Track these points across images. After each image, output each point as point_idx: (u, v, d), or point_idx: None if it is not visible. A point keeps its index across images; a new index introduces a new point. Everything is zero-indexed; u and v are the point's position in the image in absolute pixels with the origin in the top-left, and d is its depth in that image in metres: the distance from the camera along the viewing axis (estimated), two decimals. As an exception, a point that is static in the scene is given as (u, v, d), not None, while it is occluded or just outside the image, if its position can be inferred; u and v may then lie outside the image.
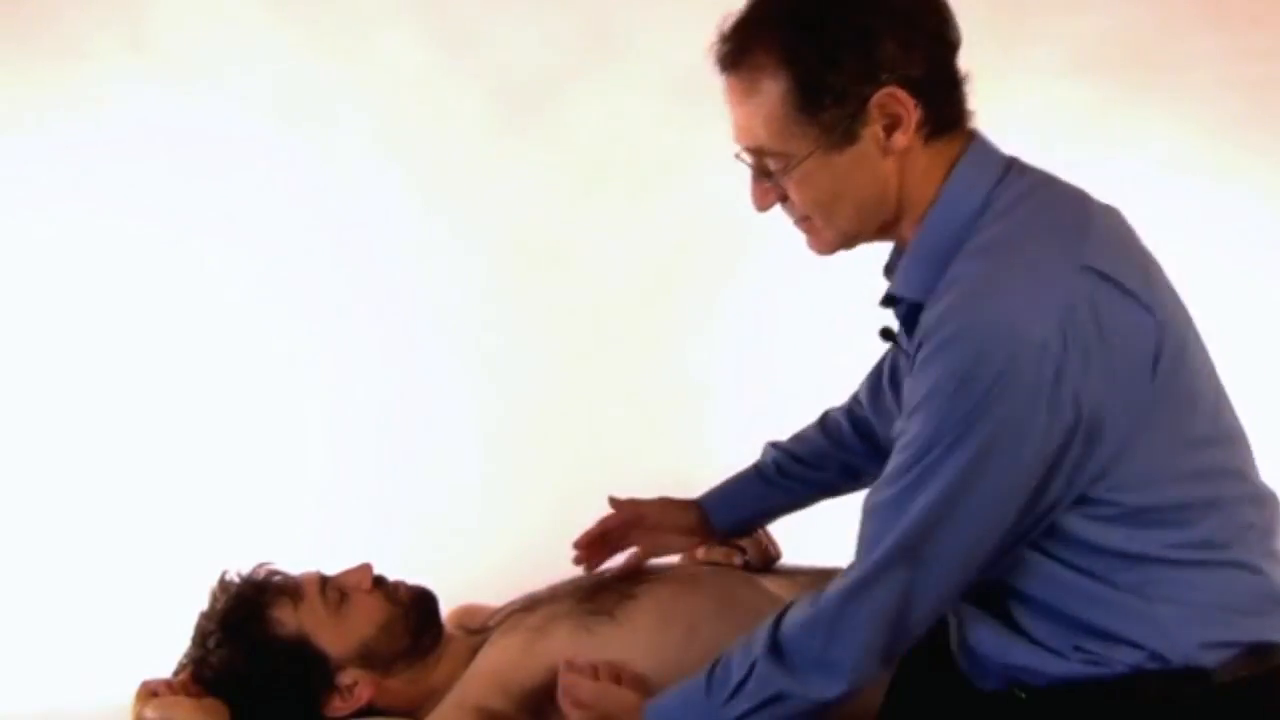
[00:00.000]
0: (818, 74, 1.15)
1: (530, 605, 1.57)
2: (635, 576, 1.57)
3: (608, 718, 1.34)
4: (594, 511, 1.64)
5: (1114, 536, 1.16)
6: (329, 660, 1.48)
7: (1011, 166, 1.22)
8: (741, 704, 1.22)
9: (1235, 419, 1.25)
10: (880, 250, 1.33)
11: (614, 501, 1.64)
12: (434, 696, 1.50)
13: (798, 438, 1.65)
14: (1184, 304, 1.23)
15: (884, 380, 1.49)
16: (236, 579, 1.52)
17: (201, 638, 1.50)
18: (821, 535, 1.55)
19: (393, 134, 2.30)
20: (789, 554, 1.68)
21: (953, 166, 1.20)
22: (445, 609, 1.61)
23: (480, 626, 1.64)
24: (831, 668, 1.19)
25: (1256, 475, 1.24)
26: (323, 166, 2.28)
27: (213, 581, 1.52)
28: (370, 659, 1.50)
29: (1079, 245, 1.14)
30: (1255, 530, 1.21)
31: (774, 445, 1.66)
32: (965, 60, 1.20)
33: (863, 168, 1.19)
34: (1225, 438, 1.22)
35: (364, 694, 1.49)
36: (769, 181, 1.23)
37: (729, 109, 1.22)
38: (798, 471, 1.62)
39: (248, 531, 2.14)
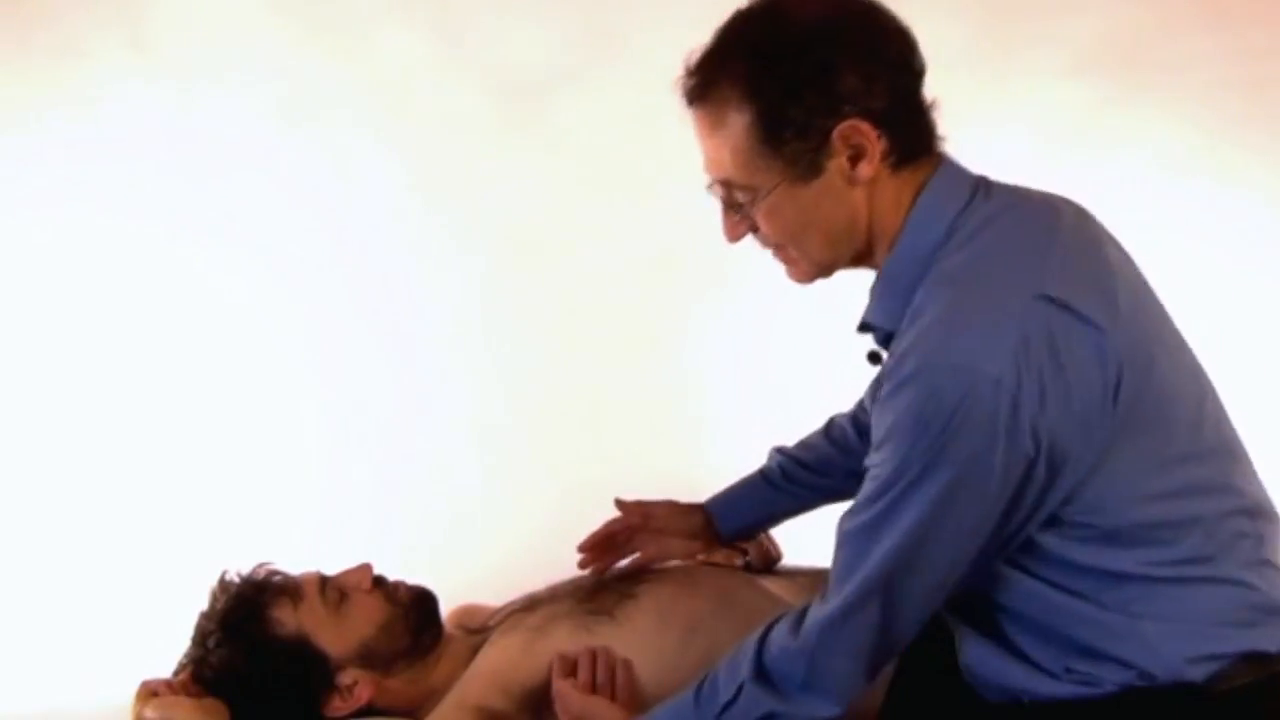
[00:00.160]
0: (780, 107, 1.15)
1: (530, 605, 1.57)
2: (635, 576, 1.58)
3: None
4: (594, 511, 1.64)
5: (1094, 556, 1.16)
6: (329, 660, 1.48)
7: (979, 189, 1.21)
8: None
9: (1224, 429, 1.23)
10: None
11: (620, 504, 1.64)
12: (434, 696, 1.50)
13: (803, 444, 1.65)
14: (1158, 314, 1.22)
15: None
16: (236, 579, 1.52)
17: (201, 638, 1.50)
18: (821, 536, 1.54)
19: (393, 134, 2.30)
20: (789, 555, 1.69)
21: (919, 193, 1.20)
22: (445, 609, 1.61)
23: (480, 626, 1.64)
24: (819, 692, 1.20)
25: (1250, 484, 1.23)
26: (323, 166, 2.28)
27: (213, 581, 1.52)
28: (370, 659, 1.50)
29: (1038, 273, 1.13)
30: (1249, 540, 1.20)
31: (779, 451, 1.66)
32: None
33: (829, 199, 1.19)
34: (1208, 452, 1.20)
35: (364, 694, 1.49)
36: (738, 213, 1.23)
37: (698, 141, 1.23)
38: (804, 477, 1.62)
39: (248, 531, 2.14)
